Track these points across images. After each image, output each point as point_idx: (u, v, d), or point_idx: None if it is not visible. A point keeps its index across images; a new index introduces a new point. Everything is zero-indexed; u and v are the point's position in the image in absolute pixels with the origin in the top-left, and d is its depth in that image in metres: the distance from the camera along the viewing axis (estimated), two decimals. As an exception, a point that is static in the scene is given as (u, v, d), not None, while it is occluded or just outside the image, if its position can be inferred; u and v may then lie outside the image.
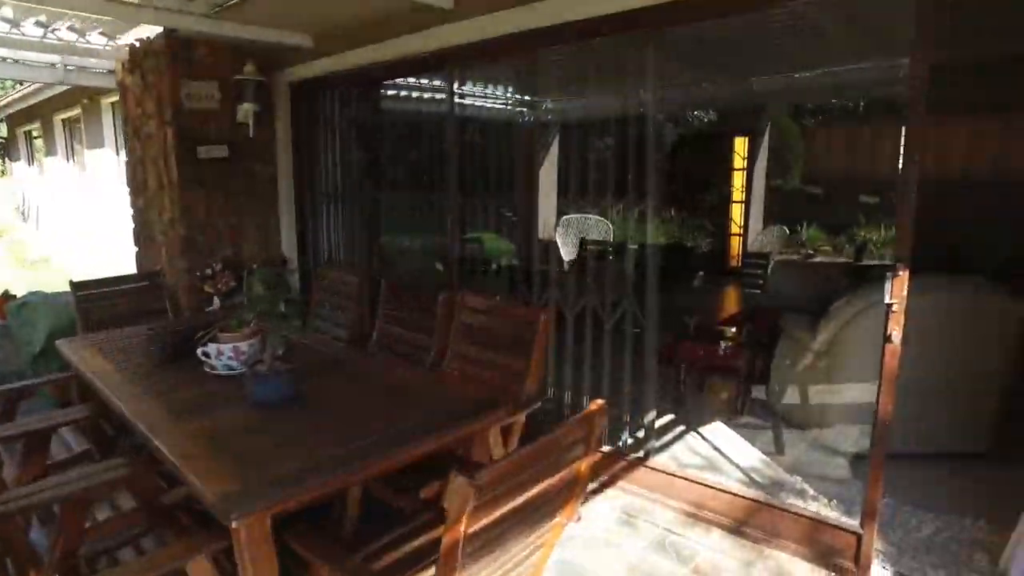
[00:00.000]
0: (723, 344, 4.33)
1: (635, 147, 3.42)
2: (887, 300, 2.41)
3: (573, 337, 3.74)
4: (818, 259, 9.06)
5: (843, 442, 3.76)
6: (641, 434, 3.51)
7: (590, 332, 3.65)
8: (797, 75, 7.12)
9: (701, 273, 6.83)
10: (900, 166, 2.39)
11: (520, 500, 1.60)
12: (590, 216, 8.57)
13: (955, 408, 3.62)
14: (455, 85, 4.09)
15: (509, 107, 7.80)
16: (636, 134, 3.45)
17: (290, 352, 2.58)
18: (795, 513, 2.88)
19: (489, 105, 7.37)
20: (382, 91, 5.51)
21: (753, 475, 3.54)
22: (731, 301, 7.69)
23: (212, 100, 4.78)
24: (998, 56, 6.07)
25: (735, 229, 9.93)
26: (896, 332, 2.43)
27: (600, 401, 1.74)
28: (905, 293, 2.41)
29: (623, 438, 3.53)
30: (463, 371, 3.19)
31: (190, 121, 4.76)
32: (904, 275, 2.40)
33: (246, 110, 4.92)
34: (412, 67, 4.39)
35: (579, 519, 1.93)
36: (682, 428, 4.17)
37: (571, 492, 1.86)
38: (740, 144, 9.73)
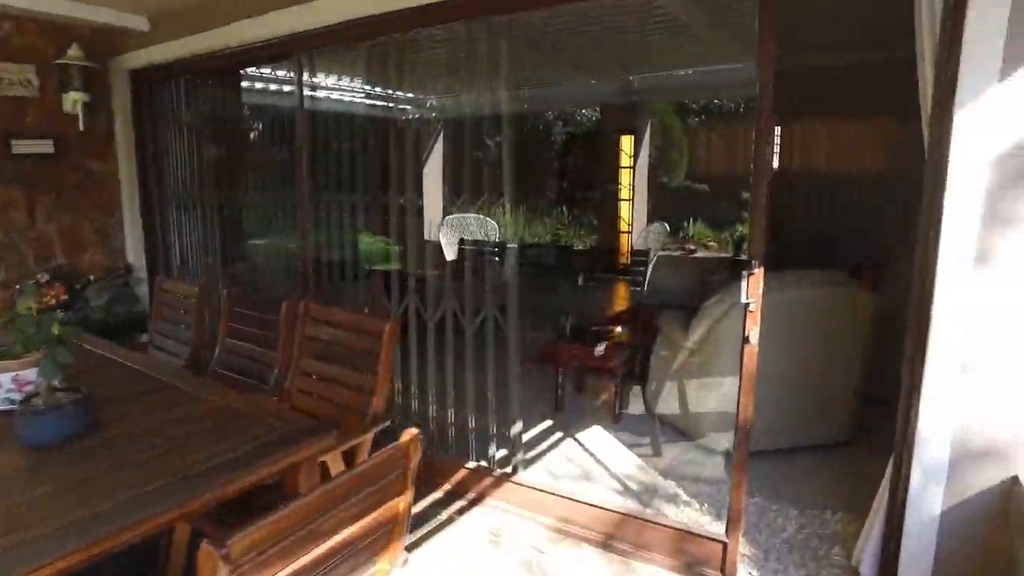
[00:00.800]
0: (599, 345, 4.20)
1: (515, 146, 3.21)
2: (743, 299, 2.31)
3: (439, 345, 3.48)
4: (699, 254, 9.27)
5: (718, 441, 3.72)
6: (521, 447, 3.31)
7: (470, 341, 3.39)
8: (673, 73, 7.23)
9: (583, 273, 6.77)
10: (752, 166, 2.29)
11: (316, 553, 1.34)
12: (475, 216, 8.40)
13: (820, 400, 3.66)
14: (305, 75, 3.74)
15: (390, 104, 7.44)
16: (515, 132, 3.25)
17: (74, 381, 2.18)
18: (663, 525, 2.75)
19: (364, 101, 7.02)
20: (241, 83, 5.07)
21: (628, 482, 3.42)
22: (618, 300, 7.70)
23: (28, 87, 4.20)
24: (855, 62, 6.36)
25: (623, 227, 10.01)
26: (754, 332, 2.33)
27: (414, 430, 1.50)
28: (761, 292, 2.31)
29: (491, 452, 3.31)
30: (307, 389, 2.88)
31: (-1, 110, 4.16)
32: (759, 273, 2.31)
33: (74, 100, 4.36)
34: (258, 55, 3.99)
35: (405, 562, 1.68)
36: (559, 435, 4.02)
37: (390, 535, 1.61)
38: (627, 142, 9.81)
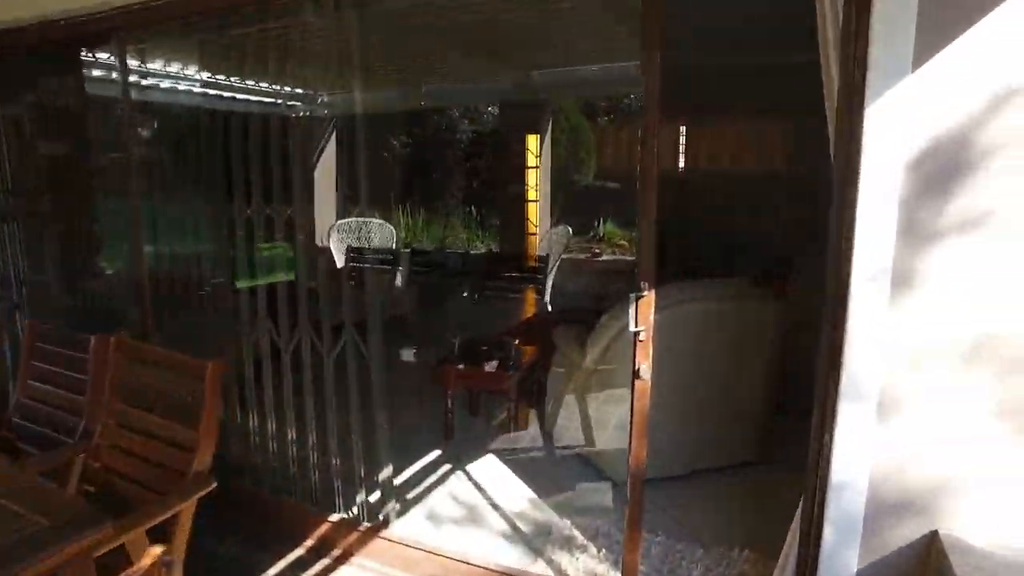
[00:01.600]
0: (488, 364, 3.81)
1: (417, 146, 2.75)
2: (632, 328, 1.95)
3: (300, 374, 2.98)
4: (606, 257, 9.05)
5: (619, 470, 3.39)
6: (393, 493, 2.87)
7: (357, 374, 2.90)
8: (578, 69, 6.94)
9: (476, 283, 6.36)
10: (638, 175, 1.94)
11: None
12: (361, 220, 7.85)
13: (727, 418, 3.39)
14: (135, 62, 3.16)
15: (277, 101, 6.81)
16: (416, 131, 2.78)
17: None
18: (550, 584, 2.38)
19: (247, 98, 6.38)
20: (82, 68, 4.36)
21: (519, 522, 3.03)
22: (523, 308, 7.34)
23: None
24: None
25: (532, 229, 9.69)
26: (645, 366, 1.97)
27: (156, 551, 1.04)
28: (652, 318, 1.96)
29: (360, 501, 2.85)
30: (119, 444, 2.34)
31: None
32: (650, 296, 1.95)
33: None
34: (74, 32, 3.32)
35: None
36: (447, 468, 3.59)
37: None
38: (533, 141, 9.49)
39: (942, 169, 1.59)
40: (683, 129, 8.02)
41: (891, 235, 1.62)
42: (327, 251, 7.46)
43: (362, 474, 2.84)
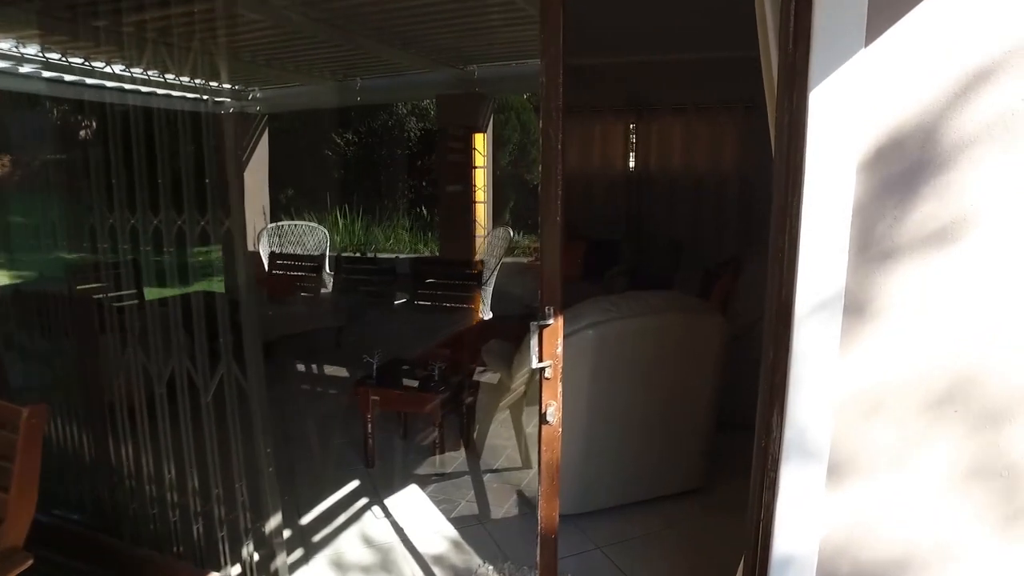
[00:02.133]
0: (410, 384, 3.43)
1: (360, 145, 2.33)
2: (534, 363, 1.59)
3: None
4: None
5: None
6: (283, 547, 2.46)
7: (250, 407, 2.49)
8: (526, 64, 6.61)
9: (400, 291, 5.97)
10: (540, 182, 1.58)
11: None
12: (295, 224, 7.39)
13: (667, 443, 3.07)
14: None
15: (204, 97, 6.28)
16: (356, 128, 2.37)
17: None
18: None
19: (169, 93, 5.87)
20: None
21: (437, 568, 2.67)
22: (462, 318, 6.95)
23: None
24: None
25: (479, 231, 9.32)
26: (553, 407, 1.62)
27: None
28: (560, 350, 1.61)
29: (245, 555, 2.45)
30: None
31: None
32: (557, 324, 1.60)
33: None
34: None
35: None
36: (364, 502, 3.21)
37: None
38: (479, 140, 9.11)
39: (904, 168, 1.26)
40: (632, 127, 7.77)
41: (843, 251, 1.29)
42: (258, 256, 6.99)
43: (247, 523, 2.44)
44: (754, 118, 6.99)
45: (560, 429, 1.64)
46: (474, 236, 9.22)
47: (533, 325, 1.56)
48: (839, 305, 1.28)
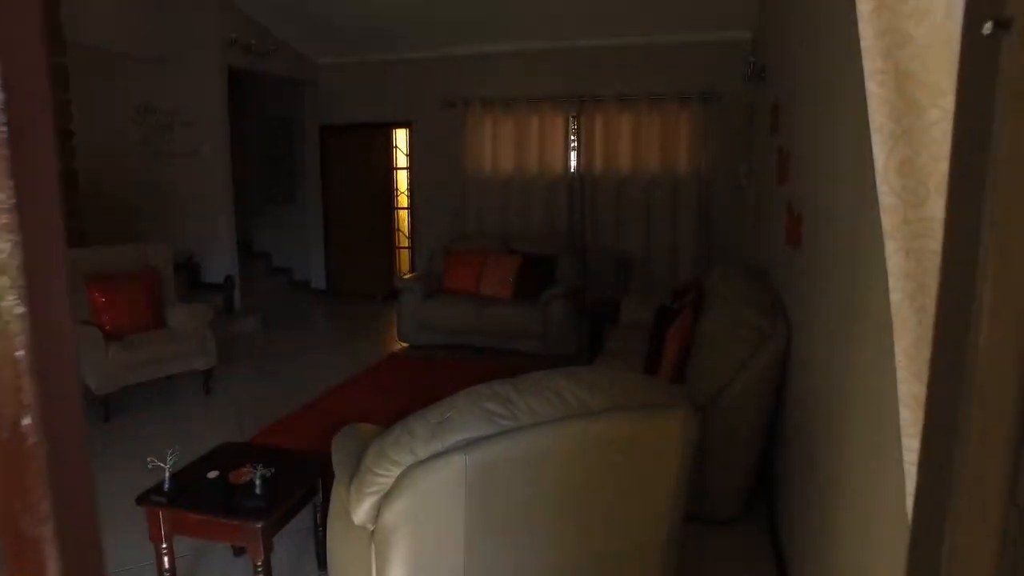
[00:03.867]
0: (217, 496, 2.24)
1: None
2: None
3: None
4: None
5: None
6: None
7: None
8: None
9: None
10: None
11: None
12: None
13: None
14: None
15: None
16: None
17: None
18: None
19: None
20: None
21: None
22: (371, 351, 5.71)
23: None
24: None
25: (403, 241, 8.13)
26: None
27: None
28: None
29: None
30: None
31: None
32: None
33: None
34: None
35: None
36: None
37: None
38: (402, 137, 7.94)
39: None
40: (573, 125, 6.69)
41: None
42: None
43: None
44: (715, 110, 5.96)
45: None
46: (397, 247, 8.10)
47: None
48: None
